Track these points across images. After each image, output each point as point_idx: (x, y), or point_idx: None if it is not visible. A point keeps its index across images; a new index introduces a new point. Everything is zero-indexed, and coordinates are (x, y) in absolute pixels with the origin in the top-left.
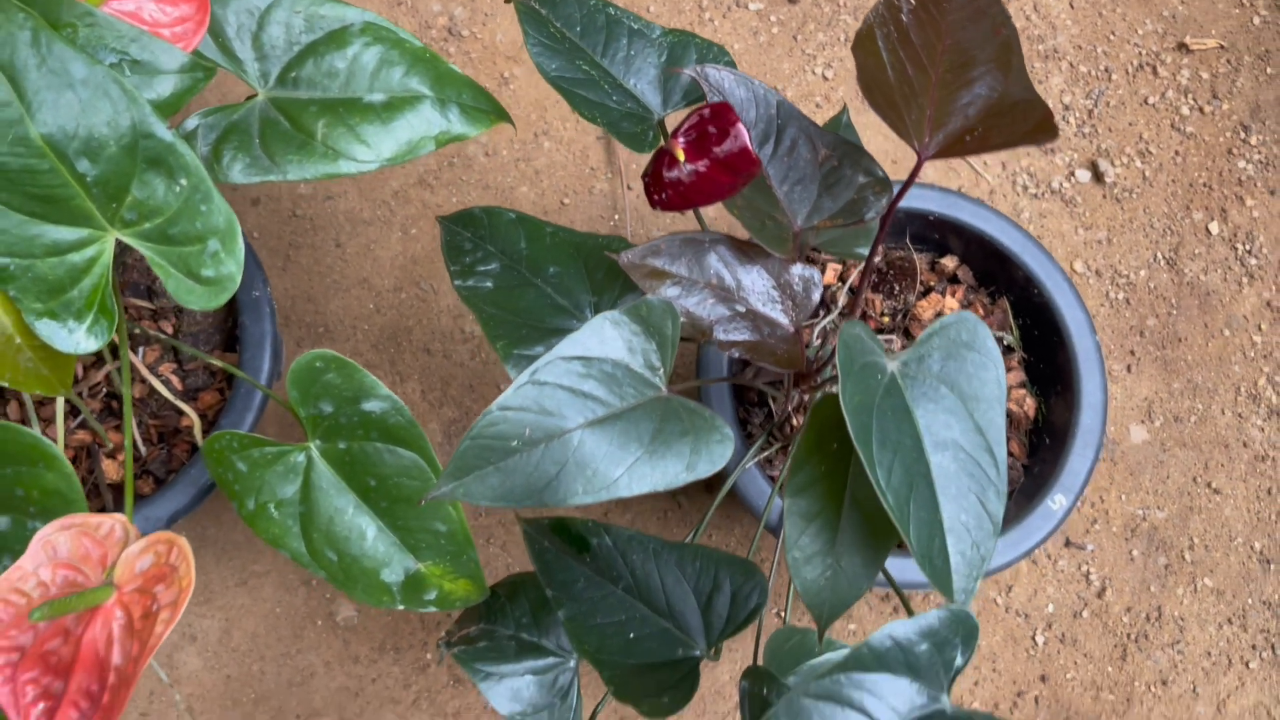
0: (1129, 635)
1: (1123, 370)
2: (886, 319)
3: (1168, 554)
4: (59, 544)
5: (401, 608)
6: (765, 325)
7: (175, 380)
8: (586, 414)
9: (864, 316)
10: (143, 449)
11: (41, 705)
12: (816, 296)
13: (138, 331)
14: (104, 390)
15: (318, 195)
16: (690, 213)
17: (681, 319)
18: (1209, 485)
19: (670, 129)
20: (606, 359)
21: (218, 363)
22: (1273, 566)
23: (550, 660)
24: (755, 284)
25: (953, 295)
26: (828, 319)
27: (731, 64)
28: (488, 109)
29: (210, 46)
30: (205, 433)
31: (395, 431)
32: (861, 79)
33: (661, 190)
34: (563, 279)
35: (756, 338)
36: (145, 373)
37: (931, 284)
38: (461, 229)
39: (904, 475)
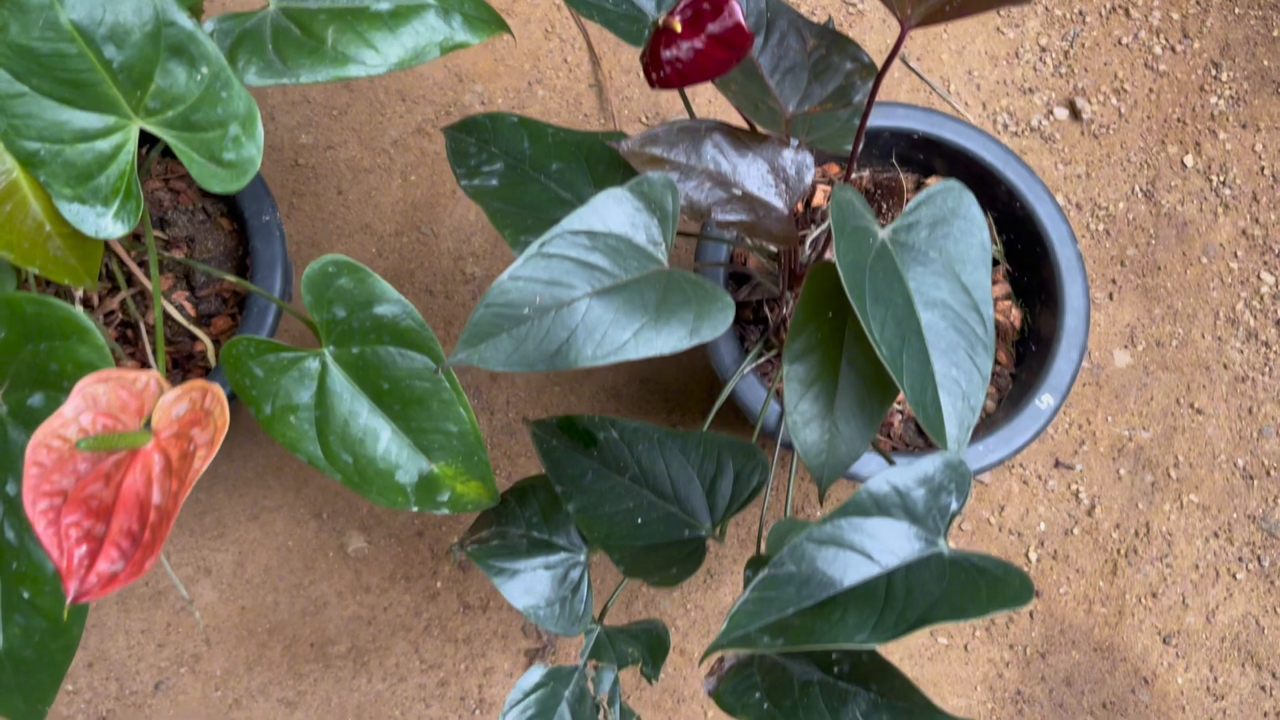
0: (1119, 550)
1: (1105, 298)
2: None
3: (1154, 472)
4: (98, 394)
5: (416, 509)
6: (760, 207)
7: (189, 307)
8: (593, 283)
9: None
10: None
11: (84, 548)
12: (809, 179)
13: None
14: (119, 319)
15: (319, 145)
16: None
17: (681, 202)
18: (1191, 406)
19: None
20: (611, 233)
21: (231, 278)
22: (1255, 482)
23: (561, 556)
24: (750, 169)
25: None
26: (819, 230)
27: None
28: (488, 19)
29: None
30: (218, 358)
31: (407, 335)
32: None
33: (659, 68)
34: (565, 174)
35: (752, 218)
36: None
37: None
38: (466, 135)
39: (896, 330)
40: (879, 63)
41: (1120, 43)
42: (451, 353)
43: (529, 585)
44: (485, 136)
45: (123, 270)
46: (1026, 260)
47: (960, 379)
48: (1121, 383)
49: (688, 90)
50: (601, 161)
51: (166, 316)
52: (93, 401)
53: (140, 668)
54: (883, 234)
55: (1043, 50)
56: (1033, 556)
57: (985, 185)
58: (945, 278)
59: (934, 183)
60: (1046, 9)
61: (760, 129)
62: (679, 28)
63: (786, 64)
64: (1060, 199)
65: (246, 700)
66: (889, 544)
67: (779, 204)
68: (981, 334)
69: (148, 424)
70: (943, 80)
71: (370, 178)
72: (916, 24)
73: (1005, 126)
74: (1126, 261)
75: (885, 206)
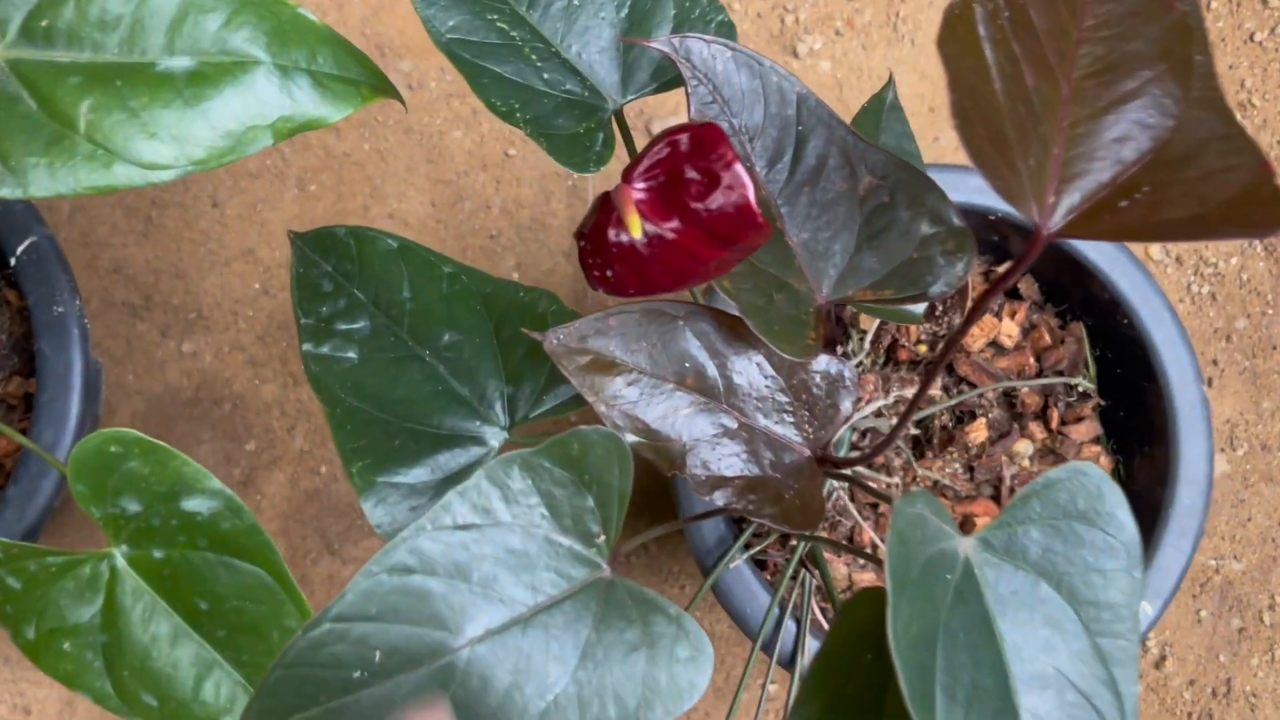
0: (1190, 715)
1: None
2: (923, 348)
3: (1243, 615)
4: None
5: None
6: (767, 448)
7: None
8: (477, 622)
9: (893, 345)
10: None
11: None
12: (847, 405)
13: None
14: None
15: None
16: None
17: (638, 439)
18: None
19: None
20: (513, 526)
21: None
22: None
23: None
24: (754, 382)
25: (1011, 316)
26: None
27: (729, 28)
28: (360, 78)
29: None
30: (1, 487)
31: (231, 539)
32: (955, 97)
33: (606, 263)
34: (463, 352)
35: (755, 470)
36: None
37: None
38: (320, 257)
39: None
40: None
41: (1253, 39)
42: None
43: None
44: (347, 267)
45: None
46: (1127, 390)
47: None
48: (1214, 496)
49: None
50: (523, 339)
51: None
52: None
53: None
54: (965, 548)
55: None
56: None
57: (1079, 282)
58: (1064, 632)
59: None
60: None
61: (773, 345)
62: (635, 223)
63: (824, 216)
64: (1156, 249)
65: None
66: None
67: (797, 440)
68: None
69: None
70: None
71: (256, 186)
72: (1062, 231)
73: None
74: (1234, 336)
75: (940, 307)
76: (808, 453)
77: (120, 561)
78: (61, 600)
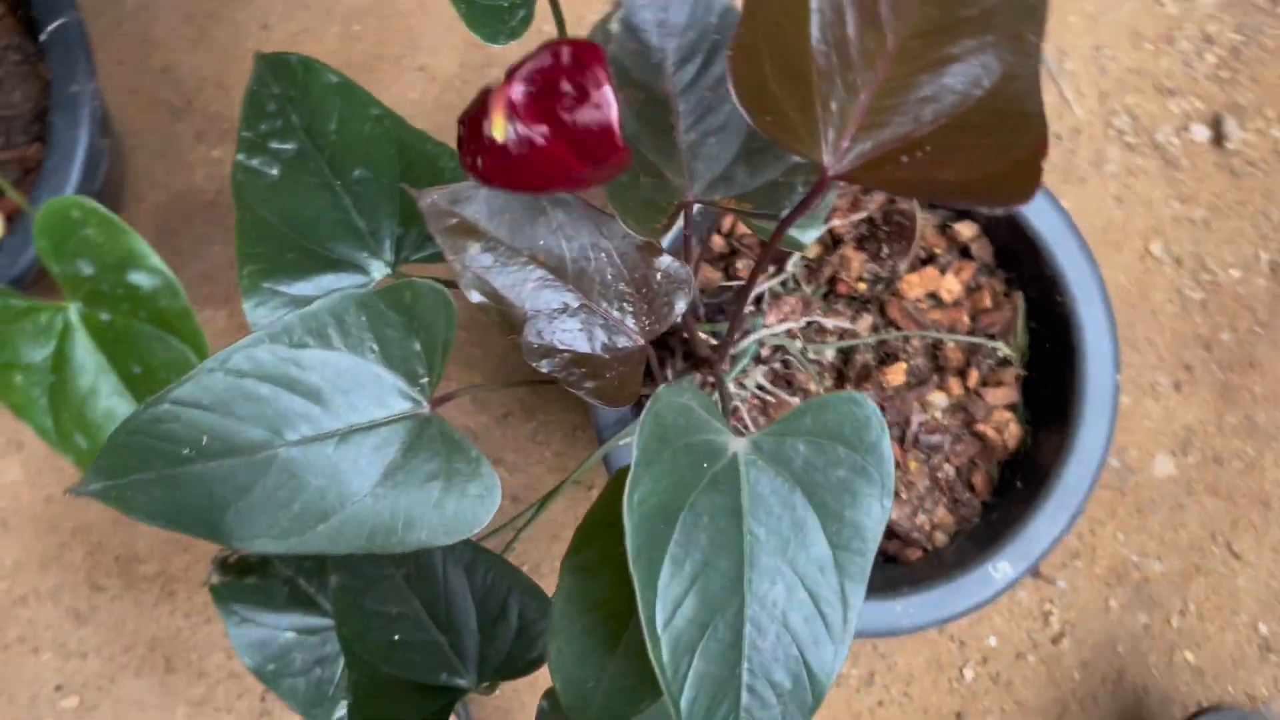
0: (1075, 694)
1: (1169, 386)
2: (862, 285)
3: (1151, 614)
4: None
5: None
6: (603, 330)
7: None
8: (297, 429)
9: (833, 279)
10: None
11: None
12: (681, 305)
13: None
14: None
15: None
16: None
17: (485, 300)
18: (1229, 546)
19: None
20: (345, 354)
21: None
22: (1272, 657)
23: (323, 622)
24: (602, 269)
25: (956, 274)
26: (776, 280)
27: None
28: None
29: None
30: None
31: (167, 316)
32: (745, 33)
33: (477, 151)
34: (368, 189)
35: (585, 348)
36: None
37: (936, 252)
38: (273, 79)
39: (700, 610)
40: None
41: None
42: None
43: (263, 642)
44: (291, 93)
45: None
46: (1050, 367)
47: (785, 686)
48: (1152, 496)
49: None
50: (424, 182)
51: None
52: None
53: None
54: (738, 446)
55: (1206, 40)
56: (968, 673)
57: (1030, 255)
58: (807, 538)
59: (966, 230)
60: None
61: (623, 219)
62: (500, 126)
63: (715, 121)
64: (1158, 246)
65: (34, 600)
66: None
67: (631, 327)
68: (838, 628)
69: None
70: (1058, 52)
71: (304, 16)
72: (843, 173)
73: (1121, 133)
74: (1214, 346)
75: (888, 250)
76: (640, 341)
77: (74, 316)
78: (19, 339)
